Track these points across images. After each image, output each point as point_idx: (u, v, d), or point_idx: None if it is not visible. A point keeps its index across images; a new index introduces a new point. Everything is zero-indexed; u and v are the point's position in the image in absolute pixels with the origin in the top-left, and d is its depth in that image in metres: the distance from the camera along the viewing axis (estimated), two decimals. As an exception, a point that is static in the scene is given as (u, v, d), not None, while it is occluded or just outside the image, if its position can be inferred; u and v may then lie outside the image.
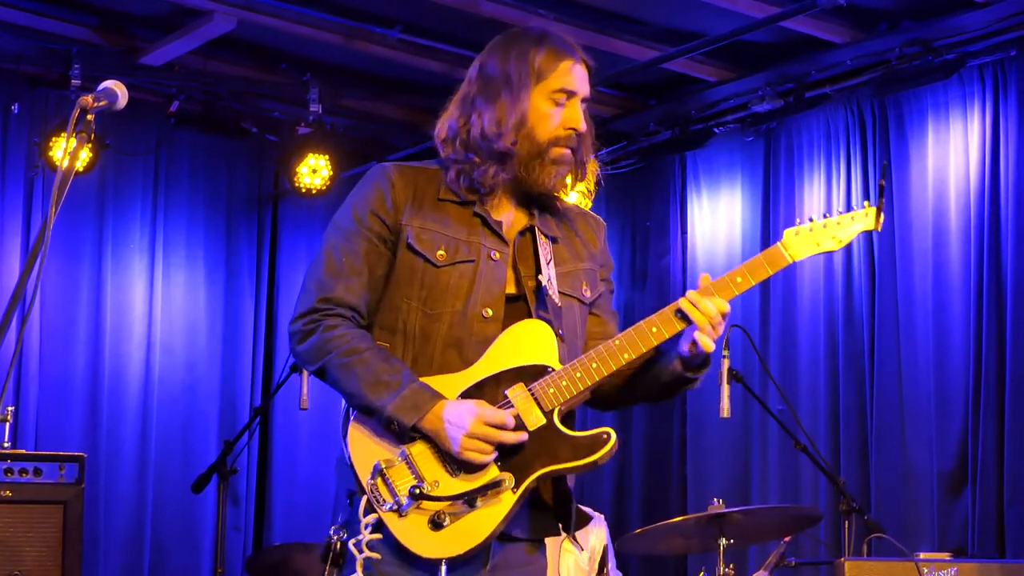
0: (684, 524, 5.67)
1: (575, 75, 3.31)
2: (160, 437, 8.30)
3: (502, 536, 3.16)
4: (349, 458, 3.16)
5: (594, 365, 3.16)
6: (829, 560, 6.23)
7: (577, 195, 8.50)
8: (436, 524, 3.08)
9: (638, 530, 5.93)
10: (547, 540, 5.97)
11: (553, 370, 3.16)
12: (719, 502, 5.55)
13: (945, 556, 5.59)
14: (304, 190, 8.19)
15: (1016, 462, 6.69)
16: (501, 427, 3.08)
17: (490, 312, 3.20)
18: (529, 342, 3.19)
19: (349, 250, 3.26)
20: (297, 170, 8.13)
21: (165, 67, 7.78)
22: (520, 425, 3.11)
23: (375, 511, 3.10)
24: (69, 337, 8.10)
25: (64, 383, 8.05)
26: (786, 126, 8.00)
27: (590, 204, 8.54)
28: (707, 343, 3.19)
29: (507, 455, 3.11)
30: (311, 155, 8.10)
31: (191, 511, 8.31)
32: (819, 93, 7.65)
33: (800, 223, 3.24)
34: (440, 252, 3.22)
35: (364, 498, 3.11)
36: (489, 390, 3.14)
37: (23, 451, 6.33)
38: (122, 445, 8.17)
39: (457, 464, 3.11)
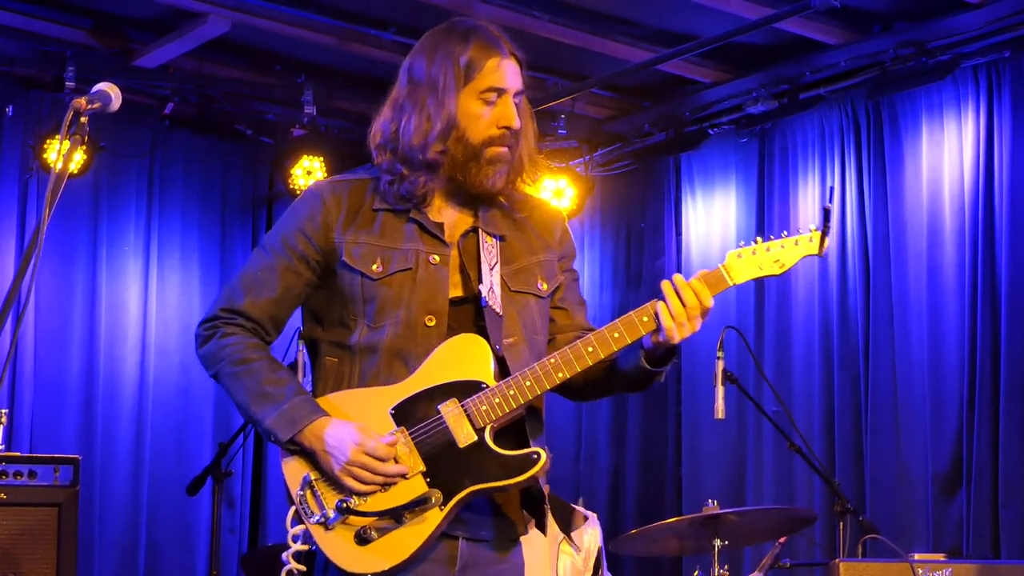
0: (679, 525, 5.67)
1: (503, 71, 3.22)
2: (155, 439, 8.29)
3: (470, 538, 3.17)
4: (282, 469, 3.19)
5: (528, 384, 3.12)
6: (824, 561, 6.23)
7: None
8: (362, 539, 3.08)
9: (633, 531, 5.93)
10: (543, 542, 6.00)
11: (487, 386, 3.13)
12: (714, 503, 5.55)
13: (940, 557, 5.59)
14: (298, 192, 8.19)
15: (1010, 463, 6.70)
16: (382, 460, 3.07)
17: (432, 320, 3.17)
18: (465, 356, 3.15)
19: (267, 266, 3.26)
20: (291, 172, 8.13)
21: (159, 69, 7.78)
22: (450, 441, 3.10)
23: (303, 523, 3.11)
24: (64, 339, 8.09)
25: (59, 385, 8.03)
26: (780, 127, 8.01)
27: (578, 204, 8.55)
28: (670, 328, 3.13)
29: (437, 471, 3.10)
30: (305, 157, 8.10)
31: (186, 513, 8.30)
32: (813, 94, 7.66)
33: (743, 244, 3.19)
34: (375, 266, 3.19)
35: (292, 509, 3.13)
36: (422, 405, 3.12)
37: (18, 453, 6.31)
38: (117, 447, 8.16)
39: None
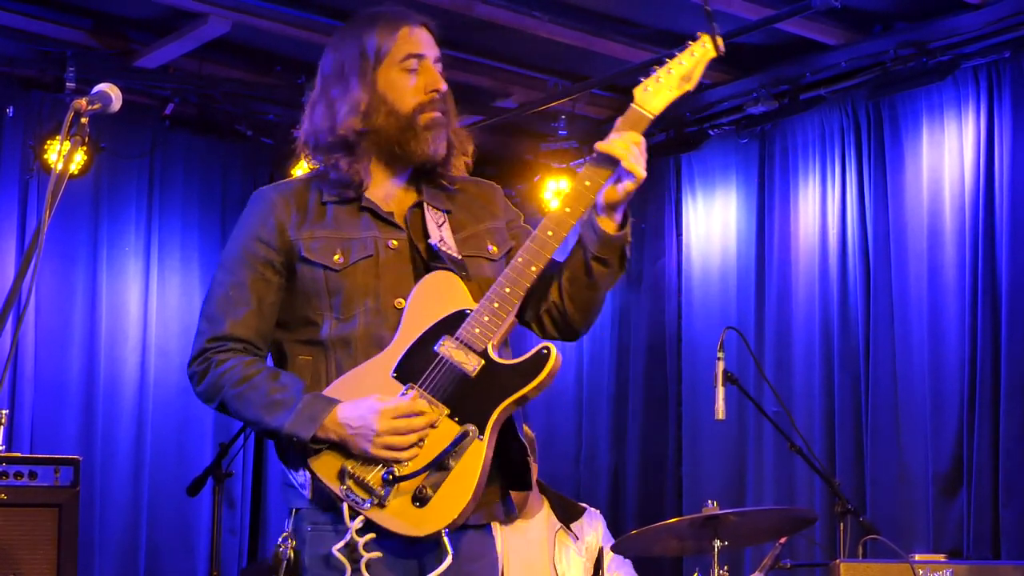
0: (679, 526, 5.67)
1: (417, 38, 3.24)
2: (155, 440, 8.29)
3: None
4: (309, 476, 3.11)
5: (507, 290, 3.12)
6: (824, 562, 6.23)
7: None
8: (421, 500, 3.04)
9: (633, 532, 5.93)
10: (541, 531, 6.03)
11: (471, 311, 3.12)
12: (714, 504, 5.54)
13: (940, 557, 5.59)
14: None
15: (1011, 463, 6.70)
16: (407, 415, 3.04)
17: (402, 303, 3.17)
18: (436, 294, 3.15)
19: (235, 282, 3.23)
20: (291, 172, 8.09)
21: (160, 70, 7.78)
22: (461, 375, 3.08)
23: (358, 515, 3.05)
24: (64, 340, 8.09)
25: (59, 386, 8.03)
26: (781, 128, 8.01)
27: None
28: (636, 168, 3.13)
29: (461, 407, 3.08)
30: (305, 157, 8.09)
31: (186, 514, 8.30)
32: (814, 95, 7.67)
33: (643, 80, 3.24)
34: (336, 256, 3.18)
35: (345, 505, 3.06)
36: (419, 356, 3.10)
37: (18, 454, 6.30)
38: (117, 448, 8.16)
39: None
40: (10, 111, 7.82)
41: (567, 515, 6.05)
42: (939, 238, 7.14)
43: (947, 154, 7.16)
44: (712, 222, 8.40)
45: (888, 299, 7.33)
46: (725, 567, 5.51)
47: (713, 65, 7.63)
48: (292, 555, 3.14)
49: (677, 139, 8.38)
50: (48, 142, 7.61)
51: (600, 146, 3.15)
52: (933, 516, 6.97)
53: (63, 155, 2.99)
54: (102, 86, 3.11)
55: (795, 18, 6.85)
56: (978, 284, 6.90)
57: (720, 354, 5.91)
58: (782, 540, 5.69)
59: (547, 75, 7.97)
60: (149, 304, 8.38)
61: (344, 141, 3.22)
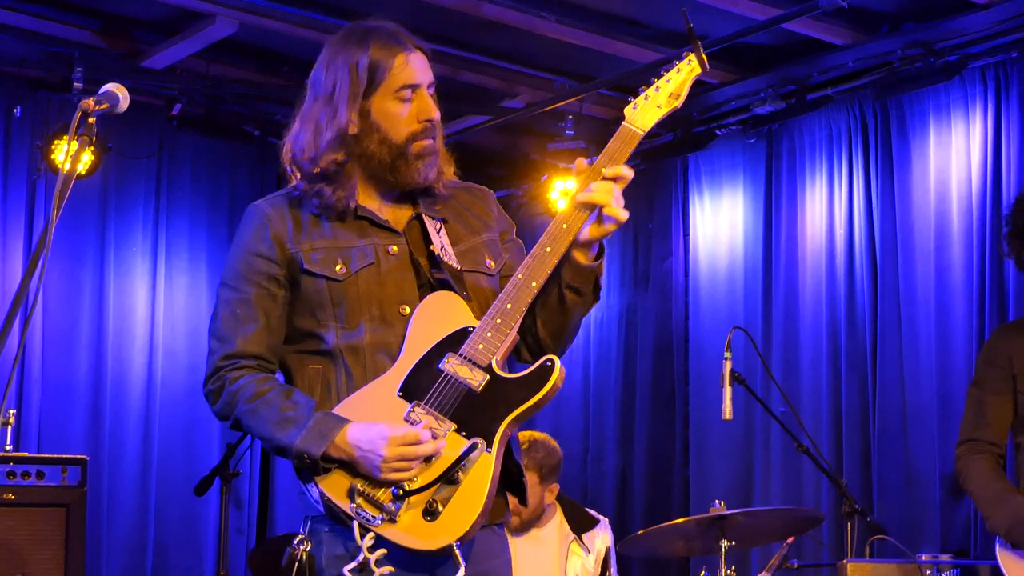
0: (686, 526, 5.67)
1: (412, 67, 3.26)
2: (163, 440, 8.30)
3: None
4: (320, 492, 3.11)
5: (509, 306, 3.13)
6: (831, 562, 6.23)
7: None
8: (431, 513, 3.04)
9: (640, 532, 5.93)
10: (556, 540, 6.03)
11: (473, 328, 3.14)
12: (721, 504, 5.55)
13: (947, 558, 5.59)
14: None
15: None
16: (416, 443, 3.04)
17: (407, 309, 3.18)
18: (439, 314, 3.17)
19: (240, 300, 3.24)
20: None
21: (167, 70, 7.78)
22: (467, 390, 3.09)
23: (369, 531, 3.05)
24: (71, 340, 8.10)
25: (67, 386, 8.05)
26: (788, 128, 8.01)
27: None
28: (618, 213, 3.14)
29: (468, 422, 3.09)
30: (313, 158, 8.10)
31: (194, 514, 8.31)
32: (821, 95, 7.66)
33: (632, 99, 3.29)
34: (338, 267, 3.20)
35: (355, 524, 3.05)
36: (424, 374, 3.11)
37: (26, 454, 6.32)
38: (125, 448, 8.18)
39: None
40: (18, 111, 7.84)
41: (581, 525, 6.06)
42: (946, 238, 7.14)
43: (954, 154, 7.15)
44: (719, 222, 8.40)
45: (895, 299, 7.33)
46: (732, 567, 5.51)
47: (720, 65, 7.62)
48: (304, 557, 3.13)
49: (684, 139, 8.37)
50: (56, 142, 7.62)
51: (581, 198, 3.16)
52: (940, 516, 6.96)
53: (70, 155, 2.99)
54: (109, 86, 3.12)
55: (802, 18, 6.85)
56: (985, 284, 6.90)
57: (727, 354, 5.91)
58: (789, 540, 5.69)
59: (554, 75, 7.97)
60: (156, 304, 8.39)
61: (324, 174, 3.24)
